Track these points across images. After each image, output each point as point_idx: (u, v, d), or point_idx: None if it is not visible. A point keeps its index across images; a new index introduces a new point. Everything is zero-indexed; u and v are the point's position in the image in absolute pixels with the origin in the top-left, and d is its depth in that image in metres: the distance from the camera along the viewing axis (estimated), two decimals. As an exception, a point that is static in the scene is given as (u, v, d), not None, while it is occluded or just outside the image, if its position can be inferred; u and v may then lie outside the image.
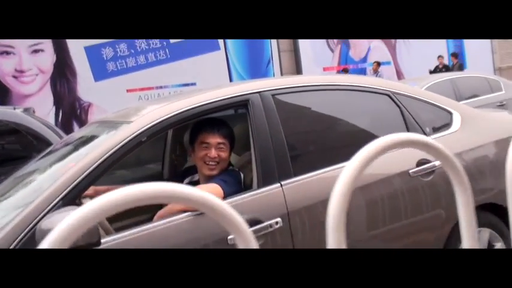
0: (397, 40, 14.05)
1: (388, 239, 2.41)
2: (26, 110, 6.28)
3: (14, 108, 5.87)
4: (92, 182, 2.00)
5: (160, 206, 3.15)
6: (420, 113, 2.72)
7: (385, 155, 2.46)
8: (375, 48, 13.83)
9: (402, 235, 2.45)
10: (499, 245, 2.68)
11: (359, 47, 13.73)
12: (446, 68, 11.88)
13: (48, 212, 1.83)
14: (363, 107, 2.66)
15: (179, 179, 2.69)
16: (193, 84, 10.83)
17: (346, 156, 2.47)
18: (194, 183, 2.57)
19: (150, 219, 3.04)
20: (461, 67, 12.18)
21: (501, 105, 7.24)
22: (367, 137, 2.62)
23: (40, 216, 1.82)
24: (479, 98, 7.26)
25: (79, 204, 2.37)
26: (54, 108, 13.04)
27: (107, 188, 2.54)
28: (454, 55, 12.70)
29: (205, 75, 10.57)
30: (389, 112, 2.68)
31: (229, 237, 2.04)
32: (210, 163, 2.39)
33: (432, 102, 2.79)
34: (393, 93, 2.69)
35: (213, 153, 2.38)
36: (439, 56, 12.28)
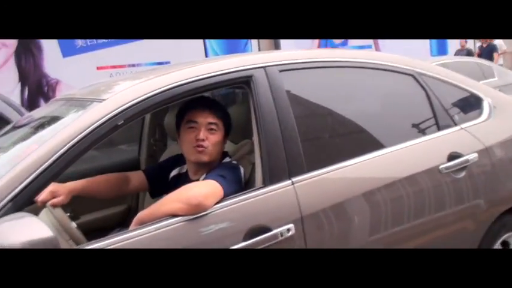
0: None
1: (419, 233, 2.03)
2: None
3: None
4: (54, 177, 1.52)
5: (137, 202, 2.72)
6: (448, 98, 2.31)
7: (414, 149, 2.11)
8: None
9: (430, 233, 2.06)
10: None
11: (340, 29, 13.32)
12: (468, 53, 11.41)
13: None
14: (384, 88, 2.24)
15: (164, 171, 2.23)
16: (167, 62, 10.30)
17: (369, 146, 2.10)
18: (183, 176, 2.11)
19: (122, 220, 2.65)
20: (470, 53, 11.76)
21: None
22: (391, 124, 2.22)
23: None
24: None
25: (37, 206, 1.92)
26: (19, 85, 12.33)
27: (82, 184, 2.06)
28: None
29: (180, 54, 10.03)
30: (414, 95, 2.26)
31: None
32: (198, 146, 1.93)
33: (462, 85, 2.39)
34: (418, 73, 2.27)
35: (202, 134, 1.93)
36: (462, 40, 11.81)
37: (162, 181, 2.17)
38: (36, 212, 1.93)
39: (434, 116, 2.23)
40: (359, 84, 2.18)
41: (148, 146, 2.88)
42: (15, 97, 9.48)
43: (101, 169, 2.87)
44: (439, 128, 2.21)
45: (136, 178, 2.22)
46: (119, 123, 1.63)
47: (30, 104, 9.64)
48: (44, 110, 2.26)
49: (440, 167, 2.08)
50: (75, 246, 1.68)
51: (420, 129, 2.22)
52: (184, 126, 1.98)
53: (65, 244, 1.72)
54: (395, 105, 2.25)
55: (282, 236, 1.69)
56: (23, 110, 4.92)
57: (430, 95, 2.25)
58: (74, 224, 1.77)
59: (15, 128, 2.17)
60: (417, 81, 2.25)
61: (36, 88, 10.33)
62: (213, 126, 1.96)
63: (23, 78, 11.36)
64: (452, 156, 2.12)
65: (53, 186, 1.88)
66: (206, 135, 1.93)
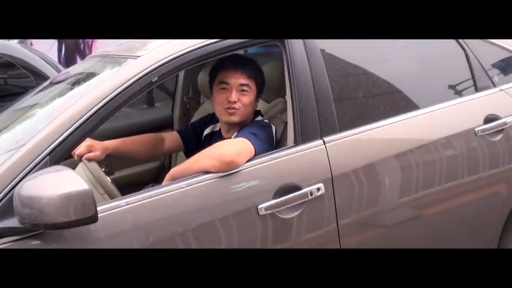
0: None
1: (451, 196, 2.01)
2: (22, 42, 5.80)
3: (9, 40, 5.41)
4: (88, 133, 1.55)
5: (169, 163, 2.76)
6: (489, 58, 2.23)
7: (450, 110, 2.06)
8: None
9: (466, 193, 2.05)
10: None
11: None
12: None
13: (29, 173, 1.40)
14: (422, 47, 2.17)
15: (197, 130, 2.25)
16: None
17: (403, 107, 2.04)
18: (216, 134, 2.13)
19: (155, 177, 2.70)
20: None
21: None
22: (426, 85, 2.16)
23: (18, 177, 1.40)
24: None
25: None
26: (56, 43, 12.46)
27: (118, 143, 2.11)
28: None
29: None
30: (452, 55, 2.19)
31: (259, 206, 1.64)
32: (230, 108, 1.94)
33: (504, 45, 2.29)
34: (458, 32, 2.19)
35: (234, 96, 1.93)
36: None
37: (196, 140, 2.20)
38: (72, 167, 2.00)
39: (473, 76, 2.16)
40: (396, 44, 2.11)
41: (181, 104, 2.91)
42: (53, 55, 9.64)
43: (135, 127, 2.93)
44: (477, 89, 2.15)
45: (171, 139, 2.26)
46: (153, 80, 1.64)
47: (67, 61, 9.76)
48: (80, 66, 2.30)
49: (476, 129, 2.03)
50: (109, 200, 1.73)
51: (457, 91, 2.16)
52: (216, 87, 1.98)
53: (100, 198, 1.79)
54: (432, 65, 2.18)
55: (311, 195, 1.70)
56: (60, 66, 5.03)
57: (469, 54, 2.18)
58: (108, 179, 1.82)
59: (52, 84, 2.22)
60: (456, 40, 2.18)
61: (73, 46, 10.45)
62: (245, 88, 1.95)
63: (60, 36, 11.43)
64: (489, 119, 2.07)
65: (89, 141, 1.93)
66: (238, 97, 1.93)
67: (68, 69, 2.36)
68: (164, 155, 2.63)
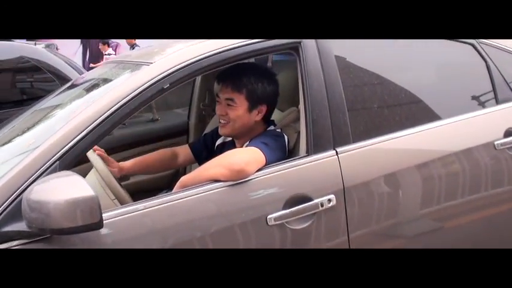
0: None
1: (468, 211, 1.96)
2: (48, 46, 5.90)
3: (35, 44, 5.50)
4: (99, 138, 1.55)
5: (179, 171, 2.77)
6: (509, 69, 2.18)
7: (468, 123, 2.01)
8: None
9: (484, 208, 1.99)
10: None
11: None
12: None
13: (39, 177, 1.41)
14: (441, 57, 2.13)
15: (209, 140, 2.26)
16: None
17: (419, 119, 1.99)
18: (227, 144, 2.12)
19: (169, 183, 2.70)
20: None
21: None
22: (444, 96, 2.11)
23: (28, 181, 1.40)
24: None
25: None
26: (81, 48, 12.67)
27: (133, 164, 2.22)
28: None
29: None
30: (473, 65, 2.14)
31: (269, 216, 1.62)
32: (221, 120, 1.98)
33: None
34: (479, 42, 2.14)
35: (221, 110, 1.96)
36: None
37: (207, 152, 2.21)
38: (85, 172, 2.02)
39: (493, 88, 2.11)
40: (414, 53, 2.08)
41: (197, 111, 2.91)
42: (77, 59, 9.80)
43: (151, 132, 2.95)
44: (498, 102, 2.09)
45: (184, 153, 2.32)
46: (165, 87, 1.63)
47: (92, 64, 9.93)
48: (96, 72, 2.31)
49: (496, 142, 1.97)
50: (119, 206, 1.73)
51: (476, 102, 2.11)
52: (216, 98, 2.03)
53: (110, 203, 1.79)
54: (451, 76, 2.13)
55: (322, 206, 1.67)
56: (84, 71, 5.10)
57: (490, 65, 2.12)
58: (118, 185, 1.82)
59: (68, 88, 2.25)
60: (477, 50, 2.13)
61: (97, 51, 10.63)
62: (230, 102, 1.94)
63: (85, 41, 11.63)
64: (509, 132, 2.01)
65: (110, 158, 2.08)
66: (225, 111, 1.94)
67: (84, 74, 2.38)
68: (178, 167, 2.64)
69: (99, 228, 1.33)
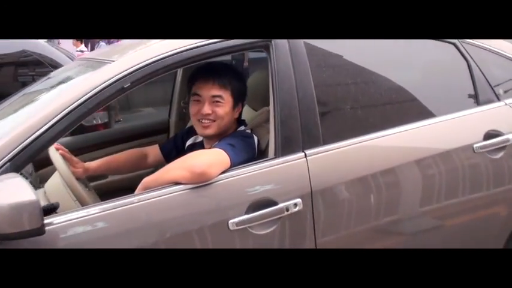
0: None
1: (442, 217, 1.90)
2: (51, 41, 5.89)
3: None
4: (54, 139, 1.49)
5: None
6: (493, 70, 2.10)
7: (445, 125, 1.94)
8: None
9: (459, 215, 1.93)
10: None
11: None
12: None
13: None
14: (419, 57, 2.05)
15: (180, 141, 2.20)
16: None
17: (396, 120, 1.90)
18: (197, 145, 2.06)
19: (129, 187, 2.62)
20: None
21: None
22: (422, 96, 2.03)
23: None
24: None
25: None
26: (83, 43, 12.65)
27: (99, 164, 2.13)
28: None
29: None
30: (454, 65, 2.07)
31: (230, 221, 1.56)
32: (204, 121, 1.87)
33: (510, 56, 2.16)
34: (461, 41, 2.07)
35: (206, 108, 1.85)
36: None
37: (176, 152, 2.15)
38: (48, 175, 1.97)
39: (475, 89, 2.03)
40: (391, 52, 2.00)
41: (178, 108, 2.85)
42: (79, 54, 9.79)
43: (132, 130, 2.89)
44: (479, 103, 2.02)
45: (154, 153, 2.25)
46: (125, 86, 1.58)
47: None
48: (62, 69, 2.26)
49: (475, 145, 1.90)
50: (80, 207, 1.68)
51: (454, 104, 2.02)
52: (191, 98, 1.92)
53: (72, 204, 1.74)
54: (431, 76, 2.06)
55: (287, 210, 1.61)
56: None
57: (472, 65, 2.05)
58: (79, 187, 1.77)
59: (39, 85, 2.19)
60: (459, 50, 2.05)
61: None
62: (218, 99, 1.86)
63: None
64: (489, 135, 1.94)
65: (75, 158, 1.98)
66: (212, 109, 1.85)
67: (52, 73, 2.32)
68: (149, 168, 2.56)
69: (41, 234, 1.27)
